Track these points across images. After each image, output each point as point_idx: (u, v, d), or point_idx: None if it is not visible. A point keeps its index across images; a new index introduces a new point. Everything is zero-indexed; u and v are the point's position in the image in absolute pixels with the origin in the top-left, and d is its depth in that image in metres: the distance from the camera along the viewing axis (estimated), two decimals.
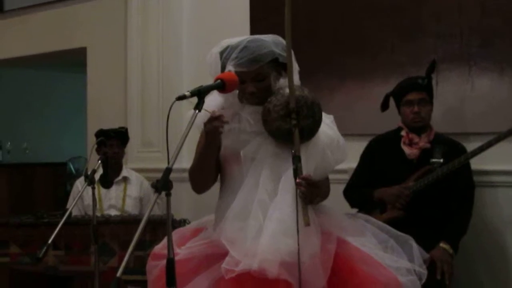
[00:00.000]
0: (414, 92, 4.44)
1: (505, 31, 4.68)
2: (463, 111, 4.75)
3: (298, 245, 2.73)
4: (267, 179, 2.96)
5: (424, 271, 3.06)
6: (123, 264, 2.23)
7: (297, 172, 2.80)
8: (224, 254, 2.88)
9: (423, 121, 4.46)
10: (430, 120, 4.50)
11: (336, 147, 3.08)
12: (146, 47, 6.30)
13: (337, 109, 4.90)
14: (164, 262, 2.58)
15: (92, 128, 6.07)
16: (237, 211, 2.96)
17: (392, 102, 4.61)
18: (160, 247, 3.09)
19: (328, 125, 3.10)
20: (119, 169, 5.59)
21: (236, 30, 5.42)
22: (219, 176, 3.18)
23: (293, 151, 2.83)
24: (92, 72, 6.92)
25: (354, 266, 2.92)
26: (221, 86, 2.81)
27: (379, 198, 4.43)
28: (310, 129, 2.96)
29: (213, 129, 2.89)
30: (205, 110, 2.75)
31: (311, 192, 2.84)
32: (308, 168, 2.89)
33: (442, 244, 4.23)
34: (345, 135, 3.19)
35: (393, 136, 4.57)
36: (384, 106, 4.64)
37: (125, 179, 5.60)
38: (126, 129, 5.63)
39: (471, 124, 4.77)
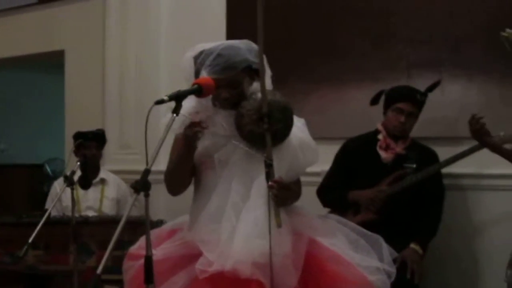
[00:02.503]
0: (409, 103, 4.49)
1: (474, 37, 4.76)
2: (434, 116, 4.82)
3: (270, 246, 2.80)
4: (240, 182, 3.02)
5: (393, 270, 3.11)
6: (103, 262, 2.27)
7: (269, 175, 2.87)
8: (199, 255, 2.93)
9: (405, 132, 4.54)
10: (410, 131, 4.58)
11: (307, 149, 3.13)
12: (124, 50, 6.33)
13: (311, 113, 4.96)
14: (140, 262, 2.65)
15: (70, 130, 6.08)
16: (211, 213, 3.02)
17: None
18: (136, 248, 3.13)
19: (299, 128, 3.15)
20: (97, 171, 5.64)
21: (213, 35, 5.51)
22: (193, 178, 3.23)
23: (265, 154, 2.89)
24: (70, 74, 6.94)
25: (325, 266, 2.98)
26: (199, 91, 2.86)
27: (353, 200, 4.50)
28: (282, 133, 3.02)
29: (193, 134, 2.95)
30: (183, 115, 2.83)
31: (283, 194, 2.90)
32: (280, 171, 2.95)
33: (412, 245, 4.32)
34: (318, 138, 3.25)
35: (370, 139, 4.63)
36: (375, 101, 4.68)
37: (103, 180, 5.65)
38: (104, 131, 5.68)
39: (442, 129, 4.85)
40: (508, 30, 3.39)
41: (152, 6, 6.23)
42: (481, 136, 3.76)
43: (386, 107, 4.59)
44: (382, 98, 4.65)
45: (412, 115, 4.50)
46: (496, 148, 3.79)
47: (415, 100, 4.50)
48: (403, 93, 4.55)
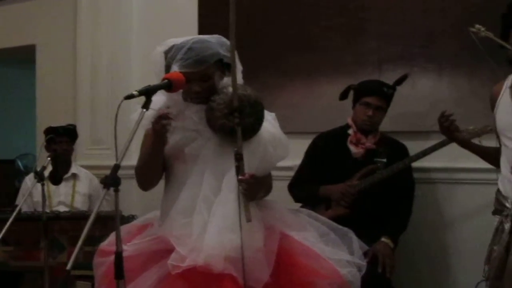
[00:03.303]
0: (376, 97, 4.51)
1: (445, 32, 4.80)
2: (404, 110, 4.85)
3: (242, 240, 2.82)
4: (211, 176, 3.04)
5: (363, 263, 3.15)
6: (72, 258, 2.26)
7: (239, 169, 2.88)
8: (171, 250, 2.93)
9: (373, 126, 4.56)
10: (379, 125, 4.61)
11: (278, 144, 3.15)
12: (96, 45, 6.30)
13: (283, 107, 5.00)
14: (110, 258, 2.64)
15: (42, 125, 6.05)
16: (182, 208, 3.03)
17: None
18: (107, 244, 3.12)
19: (270, 123, 3.17)
20: (68, 166, 5.62)
21: (185, 29, 5.51)
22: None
23: (235, 148, 2.90)
24: (41, 69, 6.90)
25: (296, 259, 3.01)
26: (169, 86, 2.86)
27: (324, 195, 4.51)
28: (253, 127, 3.04)
29: (161, 127, 2.95)
30: (152, 109, 2.82)
31: (253, 189, 2.92)
32: (251, 165, 2.96)
33: (383, 239, 4.34)
34: (290, 132, 3.27)
35: (340, 134, 4.63)
36: (343, 95, 4.69)
37: (74, 175, 5.63)
38: (75, 126, 5.67)
39: (412, 123, 4.88)
40: (477, 26, 3.41)
41: (124, 1, 6.21)
42: (450, 133, 3.79)
43: (355, 101, 4.61)
44: (351, 93, 4.66)
45: (380, 109, 4.53)
46: (466, 144, 3.82)
47: (382, 93, 4.52)
48: (370, 87, 4.57)
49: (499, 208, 3.47)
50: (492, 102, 3.59)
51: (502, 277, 3.37)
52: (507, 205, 3.39)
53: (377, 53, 5.02)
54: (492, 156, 3.66)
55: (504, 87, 3.53)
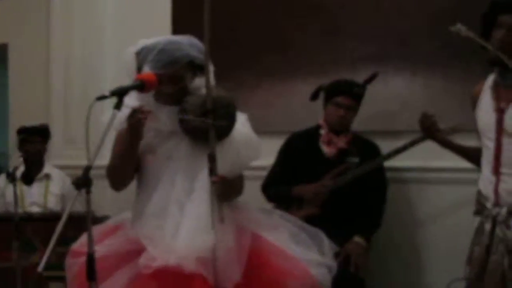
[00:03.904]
0: (347, 97, 4.51)
1: (419, 31, 4.82)
2: (377, 109, 4.87)
3: (214, 241, 2.84)
4: (183, 178, 3.04)
5: (334, 264, 3.17)
6: (44, 259, 2.27)
7: (212, 170, 2.90)
8: (142, 250, 2.94)
9: (345, 126, 4.58)
10: (351, 124, 4.62)
11: (250, 145, 3.16)
12: (69, 44, 6.26)
13: (257, 106, 5.01)
14: (82, 259, 2.65)
15: (15, 124, 6.02)
16: (155, 209, 3.03)
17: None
18: (79, 245, 3.11)
19: (242, 124, 3.17)
20: (41, 166, 5.59)
21: (159, 28, 5.48)
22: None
23: (209, 150, 2.92)
24: (14, 69, 6.83)
25: (268, 260, 3.03)
26: (141, 86, 2.87)
27: (297, 194, 4.52)
28: (226, 129, 3.05)
29: (136, 122, 2.94)
30: (127, 107, 2.83)
31: (225, 190, 2.94)
32: (223, 166, 2.96)
33: (356, 238, 4.36)
34: (264, 132, 3.28)
35: (312, 134, 4.65)
36: (314, 96, 4.70)
37: (47, 176, 5.60)
38: (48, 126, 5.65)
39: (386, 122, 4.91)
40: (458, 25, 3.40)
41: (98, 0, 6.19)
42: (432, 133, 3.80)
43: (326, 102, 4.62)
44: (322, 93, 4.67)
45: (351, 108, 4.54)
46: (447, 144, 3.83)
47: (352, 93, 4.53)
48: (340, 87, 4.58)
49: (479, 208, 3.49)
50: (473, 102, 3.59)
51: (483, 278, 3.38)
52: (488, 205, 3.40)
53: (352, 53, 5.03)
54: (474, 156, 3.66)
55: (485, 87, 3.53)
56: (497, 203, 3.36)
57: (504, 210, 3.32)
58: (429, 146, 4.04)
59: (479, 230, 3.46)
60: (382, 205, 4.57)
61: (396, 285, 4.86)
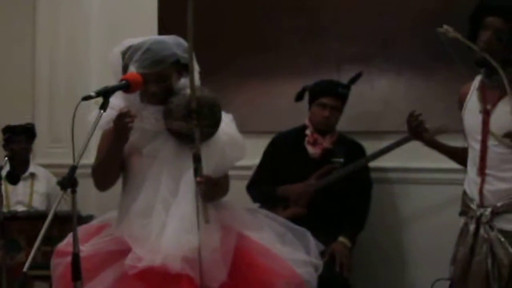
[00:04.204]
0: (331, 97, 4.53)
1: (403, 32, 4.84)
2: (362, 110, 4.89)
3: (199, 241, 2.86)
4: (168, 178, 3.05)
5: (320, 263, 3.19)
6: (29, 259, 2.27)
7: (197, 170, 2.91)
8: (128, 250, 2.95)
9: (330, 127, 4.59)
10: (336, 125, 4.64)
11: (235, 145, 3.17)
12: (55, 43, 6.24)
13: (241, 106, 5.01)
14: (68, 259, 2.64)
15: None
16: (140, 209, 3.04)
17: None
18: (64, 244, 3.10)
19: (227, 124, 3.18)
20: (26, 165, 5.57)
21: (145, 28, 5.48)
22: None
23: (193, 150, 2.93)
24: None
25: (254, 259, 3.04)
26: (127, 86, 2.88)
27: (282, 194, 4.53)
28: (210, 129, 3.06)
29: (123, 125, 2.95)
30: (113, 108, 2.84)
31: (210, 190, 2.95)
32: (208, 167, 2.98)
33: (340, 238, 4.37)
34: (248, 132, 3.29)
35: (298, 134, 4.65)
36: (299, 97, 4.72)
37: (32, 175, 5.58)
38: (33, 125, 5.62)
39: (370, 123, 4.92)
40: (445, 26, 3.41)
41: None
42: (419, 133, 3.81)
43: (311, 102, 4.63)
44: (307, 94, 4.69)
45: (336, 108, 4.55)
46: (433, 144, 3.83)
47: (337, 93, 4.55)
48: (325, 87, 4.59)
49: (465, 209, 3.50)
50: (460, 103, 3.59)
51: (467, 278, 3.40)
52: (472, 206, 3.41)
53: (336, 54, 5.04)
54: (460, 157, 3.66)
55: (472, 88, 3.54)
56: (481, 204, 3.37)
57: (488, 211, 3.34)
58: (414, 146, 4.05)
59: (464, 230, 3.47)
60: (367, 205, 4.58)
61: (380, 284, 4.87)
